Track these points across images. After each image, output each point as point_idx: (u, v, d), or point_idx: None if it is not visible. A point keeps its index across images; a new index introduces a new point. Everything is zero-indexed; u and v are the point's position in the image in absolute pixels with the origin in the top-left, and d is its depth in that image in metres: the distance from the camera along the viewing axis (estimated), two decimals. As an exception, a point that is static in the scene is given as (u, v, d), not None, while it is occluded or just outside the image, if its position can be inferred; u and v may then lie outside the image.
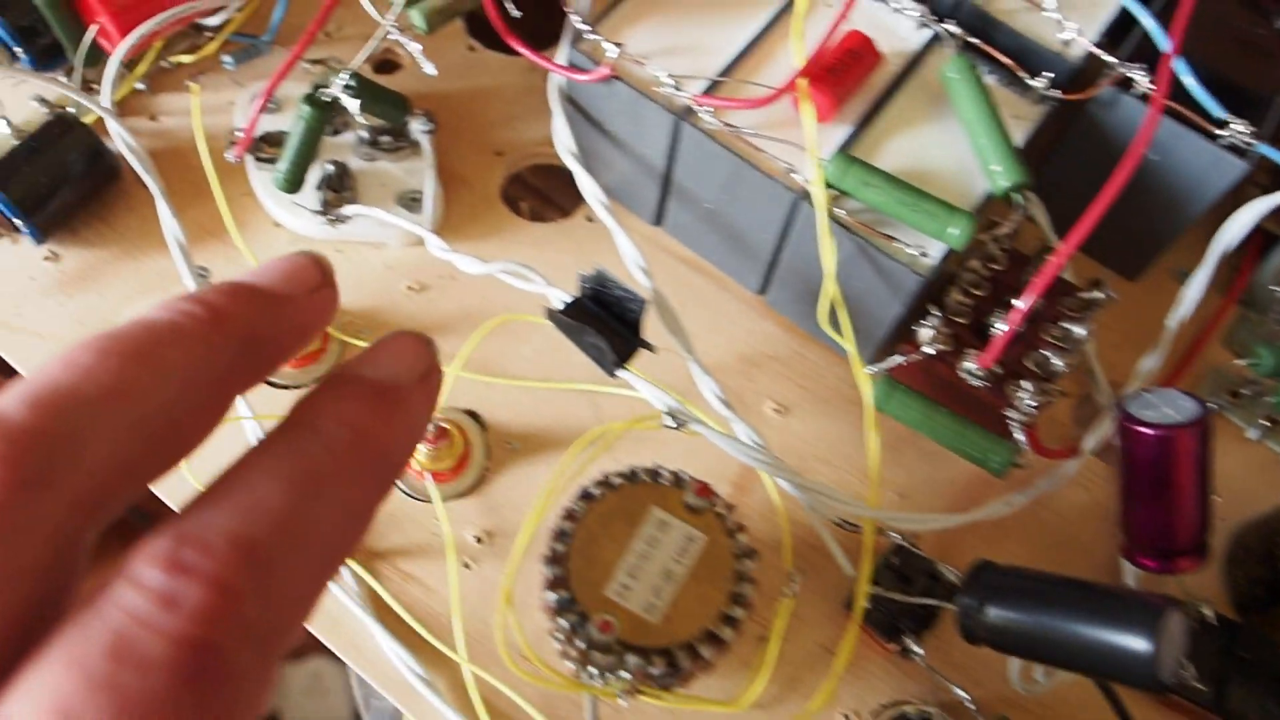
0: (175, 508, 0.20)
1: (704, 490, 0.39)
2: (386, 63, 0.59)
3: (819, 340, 0.47)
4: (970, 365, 0.46)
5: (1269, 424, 0.51)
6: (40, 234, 0.49)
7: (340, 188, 0.52)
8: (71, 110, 0.52)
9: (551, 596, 0.40)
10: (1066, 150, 0.51)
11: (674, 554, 0.41)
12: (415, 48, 0.46)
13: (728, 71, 0.47)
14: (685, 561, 0.41)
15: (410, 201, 0.52)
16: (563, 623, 0.40)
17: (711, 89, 0.46)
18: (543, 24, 0.51)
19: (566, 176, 0.50)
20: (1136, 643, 0.34)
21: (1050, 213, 0.50)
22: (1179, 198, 0.49)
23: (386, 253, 0.53)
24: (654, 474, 0.40)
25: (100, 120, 0.49)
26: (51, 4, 0.47)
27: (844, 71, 0.45)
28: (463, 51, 0.59)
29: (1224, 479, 0.50)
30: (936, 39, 0.49)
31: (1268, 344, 0.49)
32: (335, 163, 0.51)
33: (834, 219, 0.44)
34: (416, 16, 0.46)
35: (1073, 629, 0.36)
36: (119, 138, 0.47)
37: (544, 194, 0.61)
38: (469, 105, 0.57)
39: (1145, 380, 0.48)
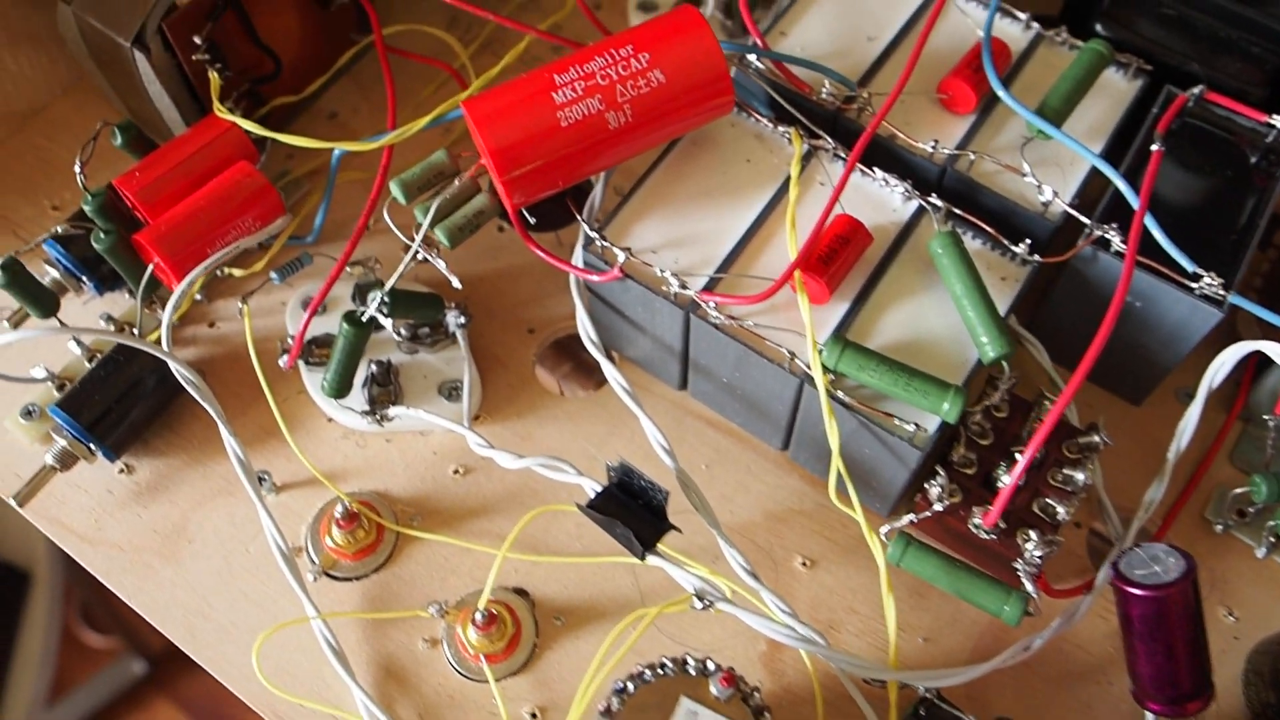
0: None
1: (728, 679, 0.42)
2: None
3: (842, 492, 0.50)
4: (977, 520, 0.49)
5: (1275, 540, 0.53)
6: (113, 453, 0.54)
7: (385, 382, 0.56)
8: (135, 333, 0.57)
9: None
10: (1059, 296, 0.54)
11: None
12: (441, 264, 0.50)
13: (728, 262, 0.50)
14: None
15: (451, 391, 0.56)
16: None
17: (714, 283, 0.50)
18: (561, 202, 0.55)
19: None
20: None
21: (1053, 350, 0.53)
22: (1167, 339, 0.51)
23: (432, 439, 0.57)
24: (682, 664, 0.43)
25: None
26: (110, 249, 0.52)
27: (836, 256, 0.49)
28: (492, 233, 0.63)
29: (1237, 597, 0.53)
30: (924, 209, 0.52)
31: (1263, 474, 0.52)
32: (379, 361, 0.55)
33: (835, 399, 0.47)
34: (441, 235, 0.50)
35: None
36: (179, 374, 0.51)
37: (579, 361, 0.65)
38: (500, 285, 0.62)
39: (1151, 509, 0.51)
